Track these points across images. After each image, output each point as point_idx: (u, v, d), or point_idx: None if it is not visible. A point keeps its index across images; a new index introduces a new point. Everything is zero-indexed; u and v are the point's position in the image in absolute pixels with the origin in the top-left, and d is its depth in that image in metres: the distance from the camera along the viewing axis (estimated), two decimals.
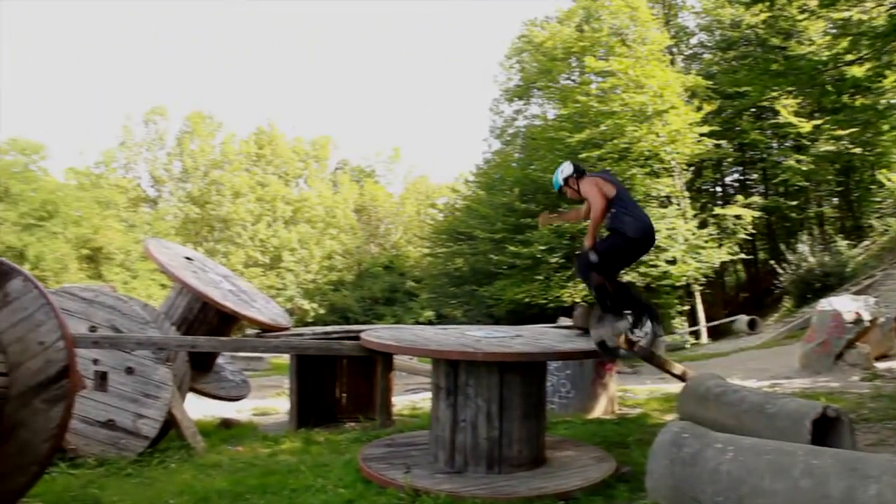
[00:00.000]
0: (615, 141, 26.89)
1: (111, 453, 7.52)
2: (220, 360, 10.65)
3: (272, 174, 42.39)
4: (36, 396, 5.53)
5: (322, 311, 40.81)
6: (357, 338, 7.89)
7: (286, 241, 41.15)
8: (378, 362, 8.68)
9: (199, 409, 11.06)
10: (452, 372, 5.98)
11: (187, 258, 10.35)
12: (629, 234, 5.97)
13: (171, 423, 8.02)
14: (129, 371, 7.79)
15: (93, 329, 7.78)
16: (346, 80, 78.13)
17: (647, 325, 6.23)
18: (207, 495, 5.85)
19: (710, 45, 32.64)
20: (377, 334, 7.05)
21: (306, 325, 32.30)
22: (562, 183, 6.51)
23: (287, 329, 10.00)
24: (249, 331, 11.72)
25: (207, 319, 9.63)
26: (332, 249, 43.02)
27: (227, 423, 10.43)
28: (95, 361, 7.79)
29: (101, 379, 7.79)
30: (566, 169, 6.49)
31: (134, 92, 67.89)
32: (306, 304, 40.47)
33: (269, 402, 13.25)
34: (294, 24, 76.67)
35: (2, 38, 67.01)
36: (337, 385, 9.70)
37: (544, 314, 24.95)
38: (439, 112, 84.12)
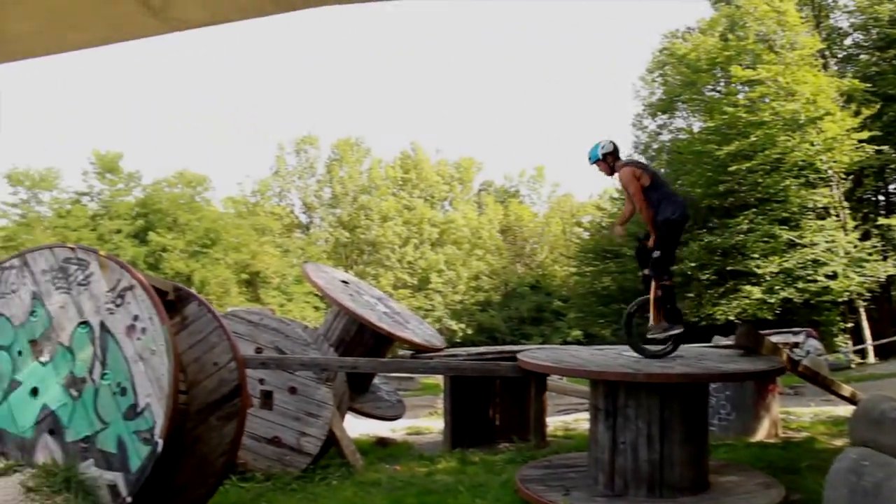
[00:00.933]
0: (766, 152, 25.73)
1: (276, 469, 7.86)
2: (375, 381, 10.93)
3: (418, 197, 43.28)
4: (212, 413, 5.87)
5: (470, 332, 41.15)
6: (512, 358, 7.92)
7: (433, 263, 41.85)
8: (532, 383, 8.67)
9: (355, 427, 11.39)
10: (612, 393, 5.90)
11: (343, 282, 10.71)
12: (675, 219, 6.52)
13: (331, 441, 8.31)
14: (293, 391, 8.14)
15: (258, 350, 8.20)
16: (486, 100, 78.75)
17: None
18: None
19: (866, 45, 30.67)
20: (534, 355, 7.04)
21: (454, 345, 32.68)
22: (600, 157, 6.84)
23: (440, 350, 10.15)
24: (402, 352, 11.98)
25: (364, 341, 9.90)
26: (478, 270, 43.37)
27: (383, 442, 10.68)
28: (261, 381, 8.18)
29: (267, 398, 8.18)
30: (607, 146, 6.87)
31: (285, 122, 71.17)
32: (454, 325, 40.93)
33: (422, 421, 13.44)
34: (434, 45, 78.23)
35: (156, 79, 71.89)
36: (490, 405, 9.73)
37: (696, 333, 24.12)
38: (581, 128, 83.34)
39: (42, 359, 5.34)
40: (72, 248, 5.58)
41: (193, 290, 6.41)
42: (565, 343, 34.60)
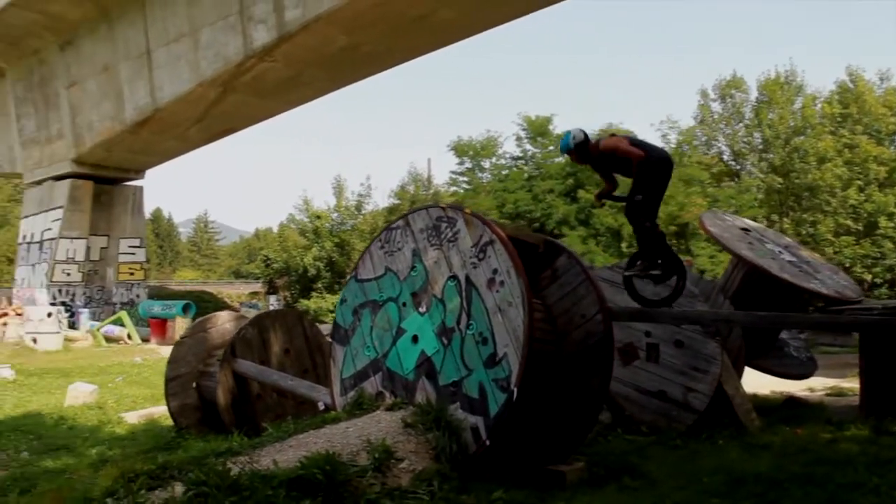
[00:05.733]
0: None
1: (662, 423, 7.68)
2: (783, 335, 10.13)
3: (861, 134, 38.67)
4: (580, 365, 5.92)
5: None
6: None
7: (882, 206, 37.07)
8: None
9: (768, 385, 10.69)
10: None
11: (743, 229, 10.03)
12: (663, 160, 7.17)
13: (723, 398, 7.88)
14: (679, 344, 7.86)
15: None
16: None
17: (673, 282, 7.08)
18: (743, 477, 5.59)
19: None
20: None
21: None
22: (571, 146, 7.08)
23: (858, 302, 9.02)
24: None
25: (765, 293, 9.18)
26: None
27: (793, 402, 9.89)
28: (647, 334, 8.03)
29: (653, 351, 8.01)
30: (578, 135, 7.07)
31: (708, 66, 68.55)
32: None
33: (848, 382, 12.14)
34: None
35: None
36: None
37: None
38: None
39: (420, 309, 5.85)
40: (443, 208, 5.99)
41: (562, 243, 6.50)
42: None
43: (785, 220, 40.71)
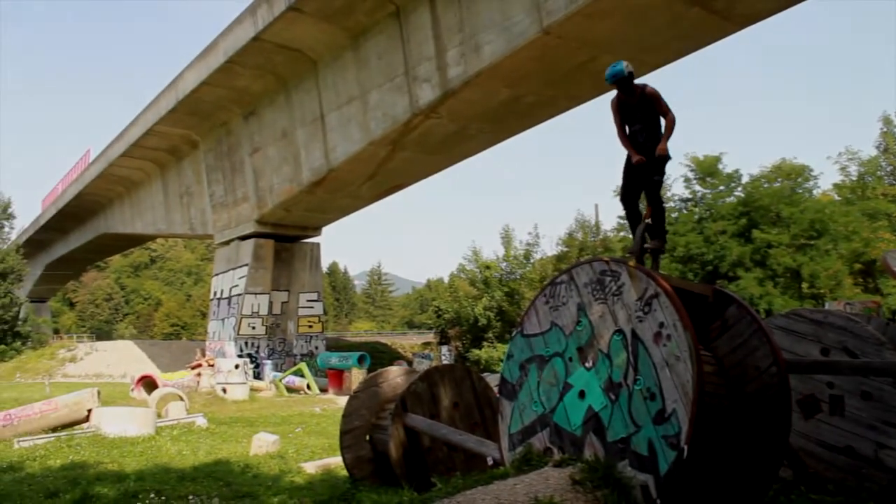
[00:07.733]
0: None
1: (851, 482, 7.20)
2: None
3: None
4: (756, 420, 5.71)
5: None
6: None
7: None
8: None
9: None
10: None
11: None
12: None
13: None
14: (866, 396, 7.37)
15: (824, 351, 7.63)
16: None
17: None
18: None
19: None
20: None
21: None
22: (625, 74, 6.81)
23: None
24: None
25: None
26: None
27: None
28: (830, 385, 7.60)
29: (837, 403, 7.56)
30: (630, 66, 6.85)
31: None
32: None
33: None
34: None
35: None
36: None
37: None
38: None
39: (587, 364, 5.84)
40: (606, 262, 5.99)
41: (731, 291, 6.30)
42: None
43: None
